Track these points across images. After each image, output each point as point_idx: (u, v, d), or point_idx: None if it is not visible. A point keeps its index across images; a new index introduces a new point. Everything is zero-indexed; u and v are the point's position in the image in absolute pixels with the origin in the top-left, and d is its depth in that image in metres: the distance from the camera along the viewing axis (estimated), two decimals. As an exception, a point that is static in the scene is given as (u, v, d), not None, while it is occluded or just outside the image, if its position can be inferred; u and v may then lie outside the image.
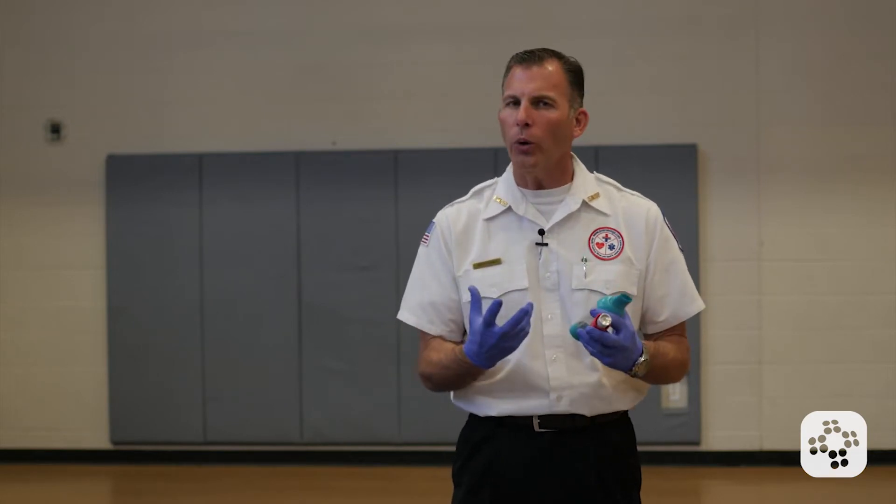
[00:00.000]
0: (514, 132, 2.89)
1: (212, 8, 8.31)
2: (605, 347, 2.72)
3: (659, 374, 2.90)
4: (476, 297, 2.76)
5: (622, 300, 2.74)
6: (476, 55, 7.97)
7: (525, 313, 2.72)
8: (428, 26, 8.20)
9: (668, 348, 2.93)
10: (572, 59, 2.95)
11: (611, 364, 2.77)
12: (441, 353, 2.92)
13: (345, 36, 8.21)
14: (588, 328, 2.72)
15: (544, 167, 2.92)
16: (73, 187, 8.34)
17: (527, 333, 2.75)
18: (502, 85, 2.96)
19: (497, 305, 2.73)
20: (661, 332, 2.99)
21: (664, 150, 8.01)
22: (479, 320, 2.74)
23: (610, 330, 2.72)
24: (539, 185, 2.95)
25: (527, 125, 2.87)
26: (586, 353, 2.83)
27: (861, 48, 7.97)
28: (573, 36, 7.96)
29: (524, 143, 2.88)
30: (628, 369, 2.80)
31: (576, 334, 2.75)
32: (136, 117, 8.33)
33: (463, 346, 2.84)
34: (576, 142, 2.99)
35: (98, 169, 8.33)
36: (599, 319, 2.71)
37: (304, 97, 8.25)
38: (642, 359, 2.79)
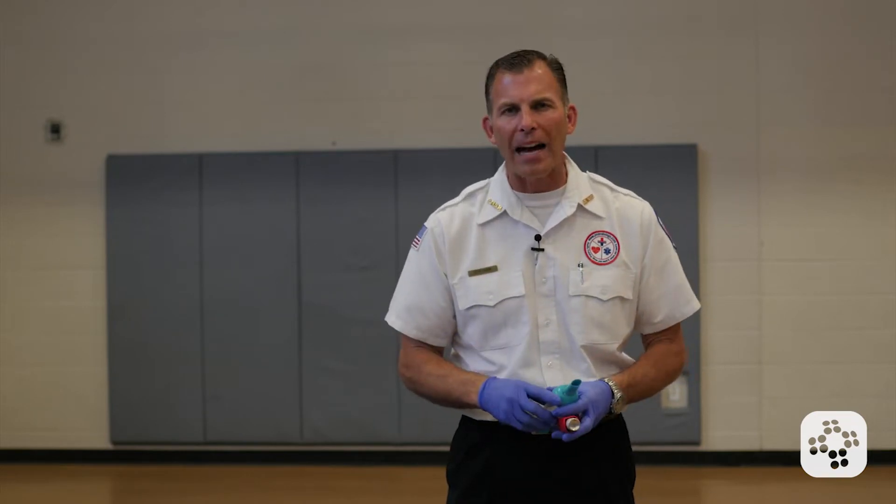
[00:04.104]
0: (517, 138, 2.86)
1: (211, 8, 8.31)
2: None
3: (643, 395, 2.94)
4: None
5: (573, 388, 2.77)
6: (476, 55, 7.95)
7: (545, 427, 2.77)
8: (428, 26, 8.20)
9: (648, 368, 2.94)
10: (553, 57, 2.93)
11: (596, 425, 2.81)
12: (444, 368, 2.93)
13: (345, 36, 8.22)
14: (566, 437, 2.75)
15: (551, 168, 2.90)
16: (73, 187, 8.34)
17: (516, 421, 2.77)
18: (487, 91, 2.93)
19: (557, 402, 2.76)
20: (656, 332, 3.00)
21: (664, 150, 8.01)
22: (531, 397, 2.77)
23: (580, 417, 2.76)
24: (539, 187, 2.92)
25: (532, 129, 2.84)
26: (582, 358, 2.87)
27: (861, 48, 7.97)
28: (573, 36, 7.97)
29: (533, 148, 2.85)
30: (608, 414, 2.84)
31: (548, 432, 2.81)
32: (136, 117, 8.33)
33: (487, 382, 2.84)
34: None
35: (98, 169, 8.33)
36: (568, 425, 2.75)
37: (304, 97, 8.25)
38: (616, 398, 2.83)
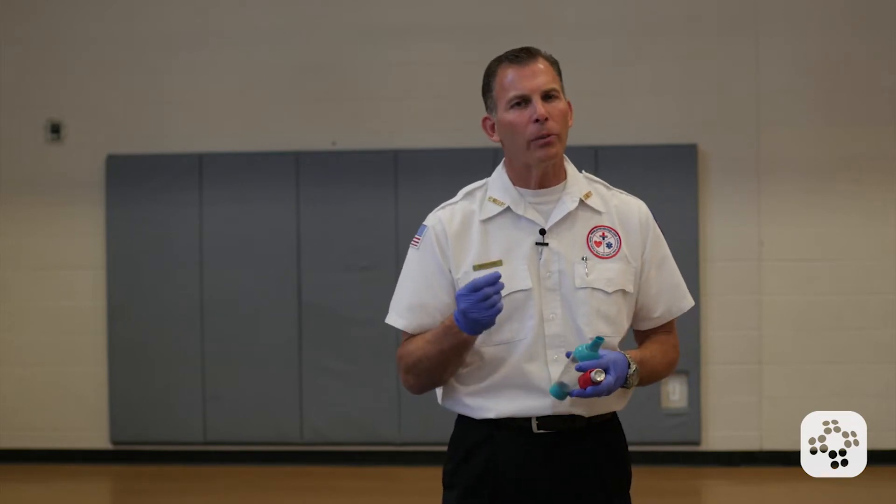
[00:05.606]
0: (532, 129, 2.87)
1: (211, 8, 8.31)
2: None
3: (649, 378, 2.95)
4: None
5: (597, 342, 2.76)
6: (476, 55, 7.89)
7: (497, 278, 2.74)
8: (428, 26, 8.20)
9: (654, 351, 2.97)
10: (549, 53, 2.97)
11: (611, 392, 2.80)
12: (427, 335, 2.90)
13: (345, 36, 8.22)
14: (590, 389, 2.74)
15: (560, 155, 2.94)
16: (73, 187, 8.34)
17: (495, 305, 2.74)
18: (488, 89, 2.95)
19: (496, 277, 2.74)
20: (653, 328, 3.02)
21: (664, 150, 8.01)
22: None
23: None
24: (544, 182, 2.94)
25: (546, 119, 2.86)
26: None
27: (861, 48, 7.97)
28: (573, 36, 7.97)
29: (546, 135, 2.87)
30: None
31: (562, 395, 2.77)
32: (136, 117, 8.33)
33: (454, 312, 2.82)
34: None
35: (98, 169, 8.33)
36: (593, 375, 2.74)
37: (304, 97, 8.25)
38: (632, 370, 2.83)
